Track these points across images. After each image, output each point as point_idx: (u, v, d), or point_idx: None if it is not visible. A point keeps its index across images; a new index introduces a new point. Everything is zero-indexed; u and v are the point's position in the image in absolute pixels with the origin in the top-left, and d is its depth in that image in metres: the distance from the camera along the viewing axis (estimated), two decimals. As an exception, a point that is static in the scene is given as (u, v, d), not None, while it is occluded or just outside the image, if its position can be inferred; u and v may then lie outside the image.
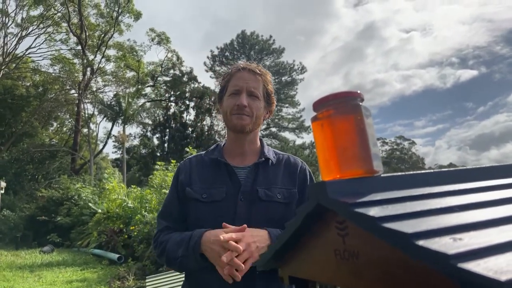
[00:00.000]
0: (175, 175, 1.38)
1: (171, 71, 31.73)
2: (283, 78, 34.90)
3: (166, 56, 31.87)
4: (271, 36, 34.85)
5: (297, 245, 0.57)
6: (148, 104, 32.32)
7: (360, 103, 0.50)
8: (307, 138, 35.30)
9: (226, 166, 1.30)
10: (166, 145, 29.91)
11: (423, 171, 0.50)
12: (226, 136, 1.41)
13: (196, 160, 1.38)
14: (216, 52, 34.71)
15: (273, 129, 34.97)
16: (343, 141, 0.49)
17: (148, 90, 31.86)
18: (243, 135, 1.32)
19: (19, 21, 28.20)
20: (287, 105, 34.79)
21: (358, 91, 0.50)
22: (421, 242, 0.32)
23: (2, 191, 16.71)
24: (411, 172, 0.49)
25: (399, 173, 0.48)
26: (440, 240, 0.33)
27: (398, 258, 0.38)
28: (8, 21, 27.48)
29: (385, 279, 0.41)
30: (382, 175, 0.49)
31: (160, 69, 31.95)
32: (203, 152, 1.42)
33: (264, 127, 34.85)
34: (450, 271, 0.29)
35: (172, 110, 30.88)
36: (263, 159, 1.32)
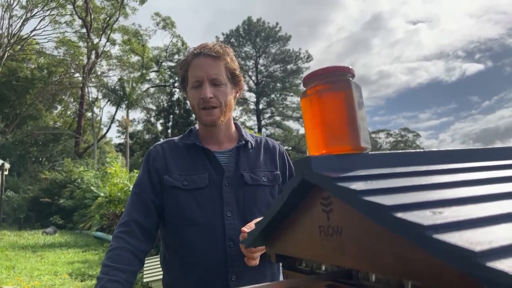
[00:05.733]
0: (145, 162, 1.27)
1: (176, 57, 31.62)
2: (288, 66, 34.69)
3: (171, 41, 31.72)
4: (277, 23, 34.61)
5: (283, 223, 0.56)
6: (152, 90, 32.35)
7: (351, 79, 0.49)
8: (310, 127, 35.04)
9: (205, 151, 1.24)
10: (169, 131, 30.00)
11: (411, 151, 0.49)
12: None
13: (169, 146, 1.29)
14: (221, 38, 34.42)
15: (277, 118, 34.88)
16: (331, 117, 0.48)
17: (152, 75, 31.83)
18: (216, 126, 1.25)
19: (24, 3, 28.01)
20: (291, 93, 34.61)
21: (350, 66, 0.49)
22: (399, 214, 0.31)
23: (6, 173, 16.84)
24: (399, 151, 0.48)
25: (387, 151, 0.48)
26: (419, 213, 0.32)
27: (380, 234, 0.38)
28: (13, 2, 27.33)
29: (367, 254, 0.40)
30: (369, 153, 0.48)
31: (165, 54, 31.82)
32: (176, 138, 1.33)
33: (267, 115, 34.77)
34: (425, 242, 0.29)
35: (176, 96, 30.87)
36: (243, 142, 1.27)
